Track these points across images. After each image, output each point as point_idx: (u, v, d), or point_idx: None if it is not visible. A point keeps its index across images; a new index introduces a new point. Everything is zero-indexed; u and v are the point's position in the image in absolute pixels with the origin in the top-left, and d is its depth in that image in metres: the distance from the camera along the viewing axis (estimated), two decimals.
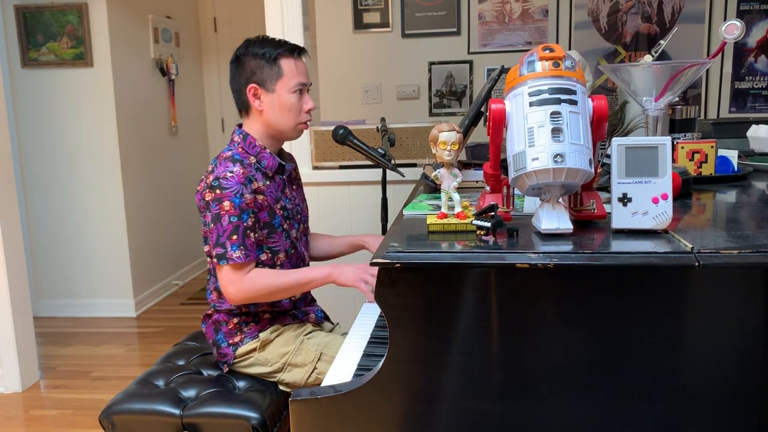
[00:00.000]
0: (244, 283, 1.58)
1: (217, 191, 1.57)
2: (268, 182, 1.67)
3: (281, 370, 1.68)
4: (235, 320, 1.72)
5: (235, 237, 1.57)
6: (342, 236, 2.01)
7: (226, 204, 1.57)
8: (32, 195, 3.86)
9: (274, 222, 1.68)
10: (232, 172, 1.58)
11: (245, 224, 1.59)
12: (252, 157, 1.66)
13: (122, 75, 3.84)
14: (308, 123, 1.73)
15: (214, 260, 1.60)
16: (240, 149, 1.66)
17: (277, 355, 1.69)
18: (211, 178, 1.59)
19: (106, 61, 3.71)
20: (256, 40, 1.68)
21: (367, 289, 1.55)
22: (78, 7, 3.66)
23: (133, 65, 3.98)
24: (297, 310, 1.79)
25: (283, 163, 1.73)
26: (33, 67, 3.74)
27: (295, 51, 1.67)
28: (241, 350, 1.70)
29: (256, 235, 1.63)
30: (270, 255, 1.69)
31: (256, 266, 1.67)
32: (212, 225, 1.58)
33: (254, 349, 1.70)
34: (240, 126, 1.71)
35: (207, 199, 1.59)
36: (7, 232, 2.85)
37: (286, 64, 1.65)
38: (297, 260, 1.79)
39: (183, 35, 4.69)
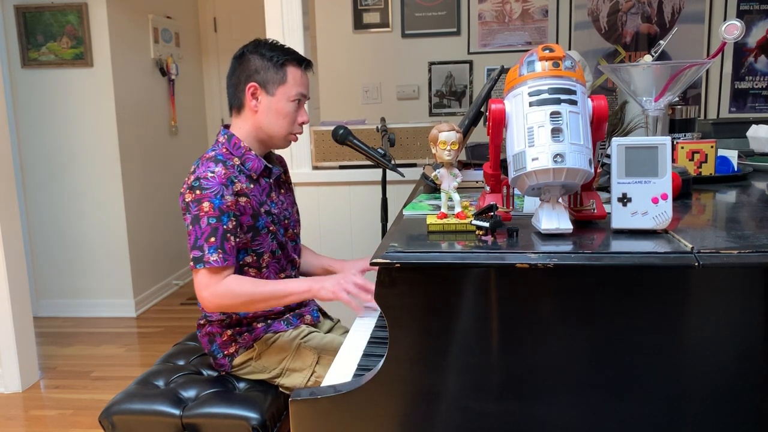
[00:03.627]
0: (219, 288, 1.51)
1: (197, 192, 1.52)
2: (251, 185, 1.62)
3: (280, 376, 1.67)
4: (229, 332, 1.69)
5: (213, 239, 1.51)
6: (319, 256, 1.94)
7: (206, 205, 1.51)
8: (32, 195, 3.86)
9: (258, 225, 1.63)
10: (213, 172, 1.53)
11: (225, 227, 1.52)
12: (236, 159, 1.61)
13: (122, 75, 3.84)
14: (298, 136, 1.70)
15: (191, 264, 1.52)
16: (224, 150, 1.62)
17: (274, 361, 1.67)
18: (192, 178, 1.54)
19: (106, 61, 3.71)
20: (266, 42, 1.66)
21: (350, 299, 1.48)
22: (78, 7, 3.66)
23: (133, 65, 3.98)
24: (291, 314, 1.76)
25: (270, 166, 1.68)
26: (33, 67, 3.74)
27: (303, 62, 1.65)
28: (237, 360, 1.69)
29: (237, 239, 1.58)
30: (255, 257, 1.65)
31: (241, 268, 1.63)
32: (191, 227, 1.52)
33: (251, 358, 1.68)
34: (226, 127, 1.67)
35: (187, 200, 1.54)
36: (7, 232, 2.85)
37: (292, 72, 1.62)
38: (286, 262, 1.75)
39: (183, 35, 4.69)
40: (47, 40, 3.71)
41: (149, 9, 4.19)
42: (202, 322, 1.74)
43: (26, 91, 3.76)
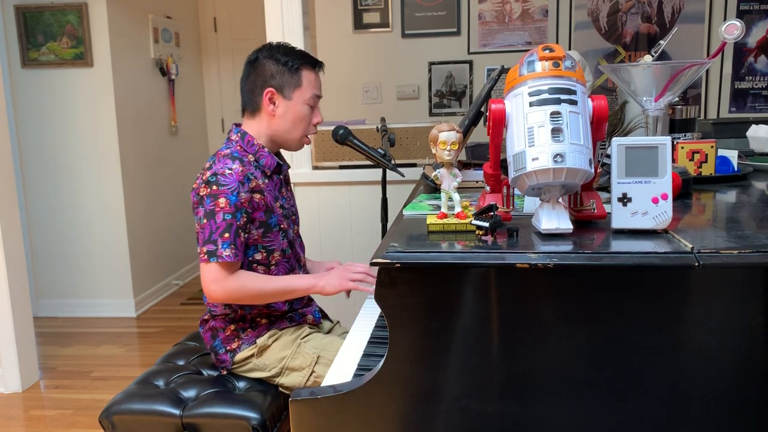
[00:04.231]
0: (229, 283, 1.57)
1: (214, 187, 1.56)
2: (266, 180, 1.67)
3: (279, 375, 1.68)
4: (232, 327, 1.71)
5: (227, 235, 1.55)
6: (316, 263, 1.97)
7: (222, 201, 1.55)
8: (32, 195, 3.86)
9: (271, 221, 1.67)
10: (230, 169, 1.57)
11: (238, 223, 1.57)
12: (250, 156, 1.66)
13: (122, 75, 3.84)
14: (311, 138, 1.75)
15: (204, 256, 1.56)
16: (238, 147, 1.66)
17: (275, 359, 1.68)
18: (209, 174, 1.58)
19: (106, 61, 3.71)
20: (279, 46, 1.69)
21: (358, 285, 1.57)
22: (78, 7, 3.66)
23: (133, 65, 3.98)
24: (294, 312, 1.78)
25: (281, 163, 1.73)
26: (33, 67, 3.74)
27: (316, 65, 1.70)
28: (239, 356, 1.70)
29: (247, 235, 1.62)
30: (265, 254, 1.67)
31: (250, 265, 1.66)
32: (205, 221, 1.56)
33: (252, 355, 1.69)
34: (237, 125, 1.71)
35: (201, 194, 1.57)
36: (7, 232, 2.85)
37: (307, 75, 1.67)
38: (294, 260, 1.78)
39: (183, 35, 4.69)
40: (47, 40, 3.70)
41: (149, 9, 4.19)
42: (206, 317, 1.76)
43: (26, 91, 3.76)
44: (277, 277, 1.65)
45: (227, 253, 1.55)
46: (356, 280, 1.61)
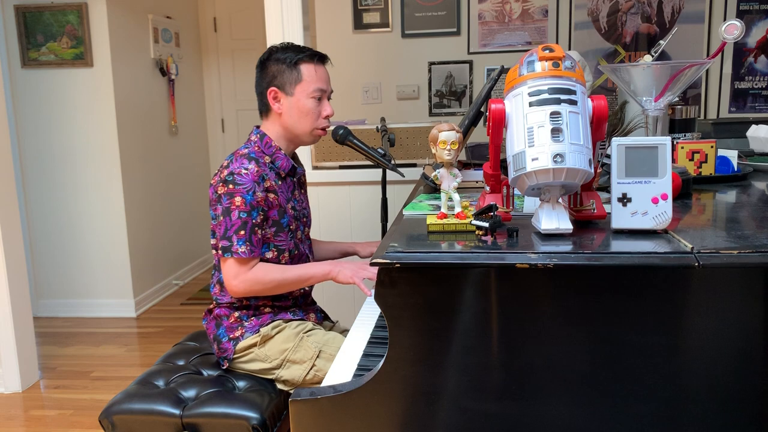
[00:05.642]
0: (249, 276, 1.63)
1: (230, 186, 1.62)
2: (280, 182, 1.73)
3: (280, 367, 1.70)
4: (236, 314, 1.74)
5: (242, 232, 1.62)
6: (331, 242, 2.06)
7: (238, 199, 1.61)
8: (32, 195, 3.86)
9: (283, 221, 1.72)
10: (247, 169, 1.63)
11: (254, 221, 1.63)
12: (267, 157, 1.72)
13: (122, 75, 3.84)
14: (326, 129, 1.78)
15: (219, 252, 1.64)
16: (256, 148, 1.72)
17: (276, 351, 1.70)
18: (226, 172, 1.64)
19: (106, 61, 3.71)
20: (280, 46, 1.75)
21: (364, 285, 1.61)
22: (78, 7, 3.66)
23: (133, 65, 3.98)
24: (297, 307, 1.82)
25: (296, 165, 1.79)
26: (33, 67, 3.74)
27: (315, 57, 1.74)
28: (241, 345, 1.72)
29: (263, 232, 1.68)
30: (276, 253, 1.72)
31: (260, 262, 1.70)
32: (221, 218, 1.63)
33: (254, 344, 1.71)
34: (258, 127, 1.77)
35: (219, 192, 1.64)
36: (7, 232, 2.85)
37: (306, 69, 1.71)
38: (299, 260, 1.82)
39: (183, 35, 4.69)
40: (47, 40, 3.70)
41: (149, 9, 4.19)
42: (211, 307, 1.80)
43: (26, 91, 3.76)
44: (294, 265, 1.71)
45: (242, 250, 1.61)
46: (366, 278, 1.64)
